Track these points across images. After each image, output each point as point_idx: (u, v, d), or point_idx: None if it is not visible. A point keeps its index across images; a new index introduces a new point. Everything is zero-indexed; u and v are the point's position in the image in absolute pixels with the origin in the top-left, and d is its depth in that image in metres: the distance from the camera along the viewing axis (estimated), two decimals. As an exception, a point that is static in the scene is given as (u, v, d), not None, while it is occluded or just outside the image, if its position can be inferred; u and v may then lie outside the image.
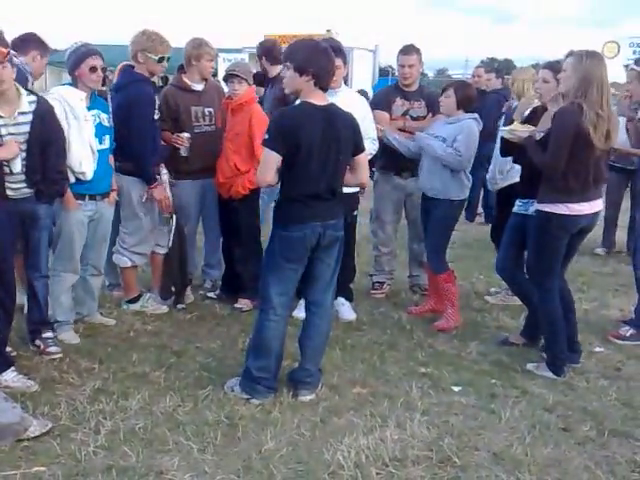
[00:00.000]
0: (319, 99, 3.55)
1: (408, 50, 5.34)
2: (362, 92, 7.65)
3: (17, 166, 3.87)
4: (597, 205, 4.03)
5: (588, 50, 3.91)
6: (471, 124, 4.84)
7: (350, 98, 4.76)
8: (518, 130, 4.07)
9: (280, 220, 3.65)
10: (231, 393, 3.75)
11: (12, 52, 4.52)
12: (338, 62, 4.78)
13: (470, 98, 4.90)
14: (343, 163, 3.63)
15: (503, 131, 4.14)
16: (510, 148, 4.27)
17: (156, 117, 4.76)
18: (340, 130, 3.55)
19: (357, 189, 4.79)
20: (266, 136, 3.54)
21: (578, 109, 3.73)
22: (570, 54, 3.90)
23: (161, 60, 4.72)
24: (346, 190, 4.29)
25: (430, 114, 5.34)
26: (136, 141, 4.58)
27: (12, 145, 3.77)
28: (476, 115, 4.97)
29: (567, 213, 3.90)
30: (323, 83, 3.54)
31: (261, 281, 3.75)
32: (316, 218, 3.58)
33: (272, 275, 3.66)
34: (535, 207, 4.04)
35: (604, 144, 3.83)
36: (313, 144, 3.48)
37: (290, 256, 3.62)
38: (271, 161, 3.51)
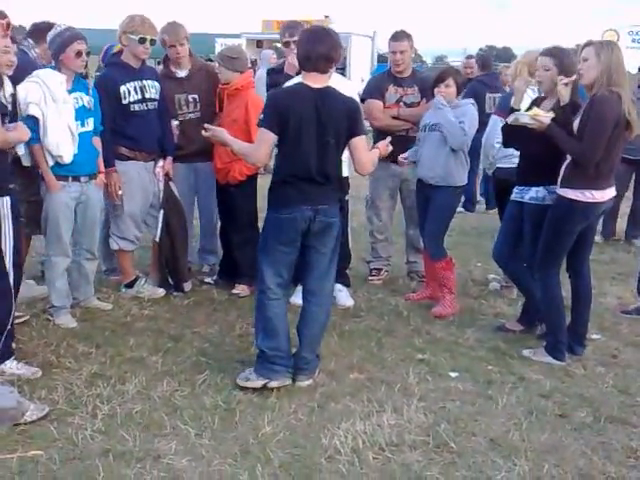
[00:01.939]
0: (314, 81, 3.57)
1: (399, 36, 5.29)
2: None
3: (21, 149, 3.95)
4: (613, 191, 4.04)
5: (606, 40, 3.98)
6: (472, 109, 4.88)
7: (336, 83, 4.75)
8: (540, 116, 3.96)
9: (272, 202, 3.67)
10: (246, 382, 3.65)
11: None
12: None
13: (463, 85, 5.02)
14: (335, 146, 3.60)
15: (524, 116, 3.99)
16: (514, 136, 4.24)
17: (124, 102, 4.67)
18: (331, 112, 3.54)
19: (347, 173, 4.78)
20: (261, 116, 3.59)
21: (617, 97, 3.75)
22: (589, 44, 3.87)
23: (142, 41, 4.66)
24: None
25: (424, 99, 5.30)
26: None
27: (23, 128, 3.78)
28: (472, 100, 4.99)
29: (592, 200, 3.90)
30: (305, 66, 3.59)
31: (257, 263, 3.76)
32: (306, 201, 3.57)
33: (266, 257, 3.68)
34: (557, 192, 3.99)
35: (639, 129, 3.89)
36: (301, 124, 3.49)
37: (281, 238, 3.62)
38: (265, 140, 3.56)
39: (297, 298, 4.58)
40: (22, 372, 3.69)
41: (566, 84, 3.95)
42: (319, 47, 3.55)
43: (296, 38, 5.04)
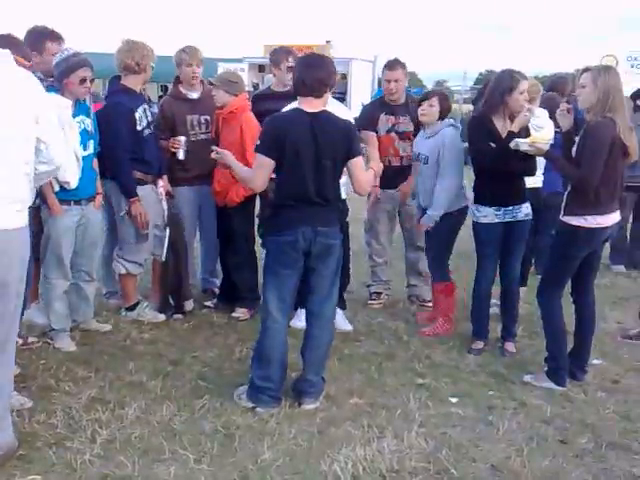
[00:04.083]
0: (309, 106, 3.62)
1: (393, 65, 5.30)
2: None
3: None
4: (618, 215, 4.06)
5: (603, 65, 4.08)
6: (450, 132, 4.83)
7: (331, 108, 4.79)
8: (539, 142, 4.04)
9: (272, 226, 3.72)
10: (239, 401, 3.76)
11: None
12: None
13: (449, 109, 5.00)
14: (333, 169, 3.65)
15: (523, 144, 4.07)
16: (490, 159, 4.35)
17: (139, 128, 4.71)
18: (328, 135, 3.59)
19: (344, 196, 4.82)
20: (258, 142, 3.64)
21: (612, 123, 3.79)
22: (586, 70, 3.93)
23: (153, 69, 4.77)
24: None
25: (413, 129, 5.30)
26: (111, 153, 4.62)
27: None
28: (452, 120, 5.00)
29: (595, 226, 3.92)
30: (300, 91, 3.65)
31: (262, 288, 3.79)
32: (306, 223, 3.60)
33: (270, 281, 3.71)
34: (561, 219, 4.01)
35: (636, 154, 3.93)
36: (299, 148, 3.55)
37: (283, 261, 3.66)
38: (262, 165, 3.62)
39: (298, 322, 4.59)
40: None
41: (568, 111, 4.03)
42: (315, 72, 3.62)
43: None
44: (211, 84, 5.06)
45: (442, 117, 4.88)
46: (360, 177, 3.74)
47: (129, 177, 4.70)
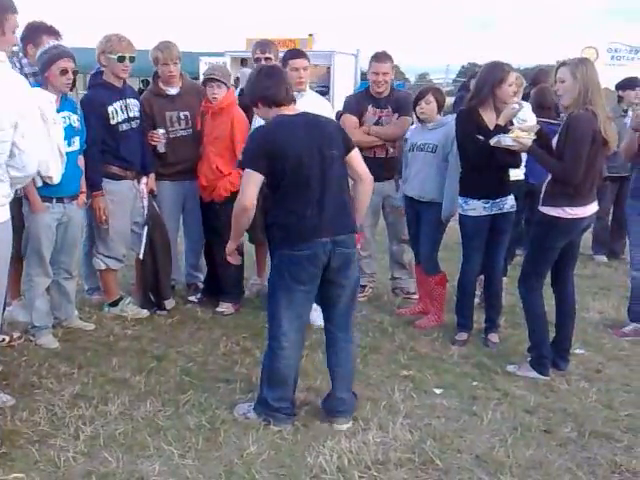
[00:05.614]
0: (290, 110, 3.45)
1: (381, 58, 5.27)
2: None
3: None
4: (595, 206, 4.09)
5: (579, 58, 4.06)
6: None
7: (314, 102, 4.76)
8: (522, 137, 4.03)
9: (285, 239, 3.36)
10: (245, 420, 3.50)
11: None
12: (303, 62, 4.80)
13: (444, 102, 5.03)
14: (341, 164, 3.41)
15: (507, 139, 4.04)
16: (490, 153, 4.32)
17: (113, 122, 4.67)
18: (325, 132, 3.41)
19: None
20: (242, 157, 3.44)
21: (592, 115, 3.81)
22: (562, 64, 3.93)
23: (121, 59, 4.65)
24: None
25: (396, 115, 5.32)
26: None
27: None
28: (454, 115, 5.02)
29: (572, 217, 3.95)
30: (278, 99, 3.41)
31: (269, 306, 3.47)
32: (325, 233, 3.30)
33: (282, 299, 3.36)
34: (539, 210, 4.05)
35: (615, 145, 3.99)
36: (301, 150, 3.29)
37: (301, 277, 3.32)
38: (253, 182, 3.32)
39: (319, 320, 4.49)
40: None
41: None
42: (276, 78, 3.45)
43: (268, 55, 5.09)
44: (196, 79, 5.03)
45: (439, 110, 4.91)
46: (363, 166, 3.54)
47: (95, 170, 4.63)
